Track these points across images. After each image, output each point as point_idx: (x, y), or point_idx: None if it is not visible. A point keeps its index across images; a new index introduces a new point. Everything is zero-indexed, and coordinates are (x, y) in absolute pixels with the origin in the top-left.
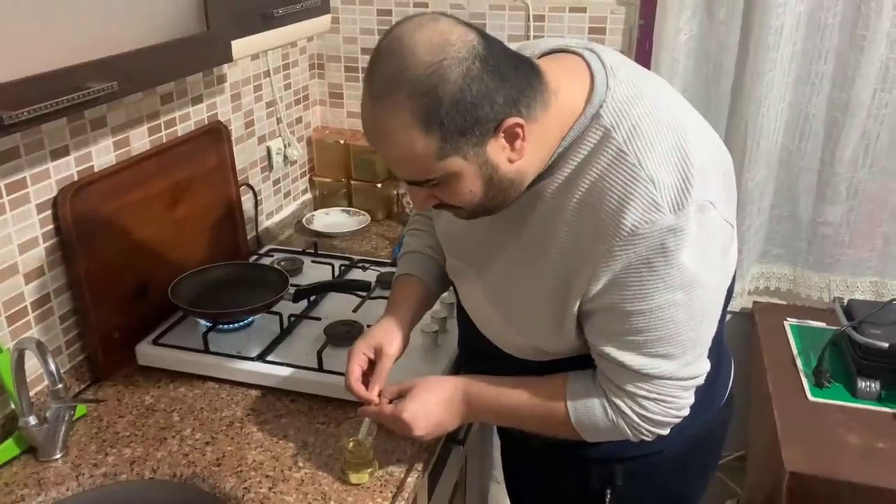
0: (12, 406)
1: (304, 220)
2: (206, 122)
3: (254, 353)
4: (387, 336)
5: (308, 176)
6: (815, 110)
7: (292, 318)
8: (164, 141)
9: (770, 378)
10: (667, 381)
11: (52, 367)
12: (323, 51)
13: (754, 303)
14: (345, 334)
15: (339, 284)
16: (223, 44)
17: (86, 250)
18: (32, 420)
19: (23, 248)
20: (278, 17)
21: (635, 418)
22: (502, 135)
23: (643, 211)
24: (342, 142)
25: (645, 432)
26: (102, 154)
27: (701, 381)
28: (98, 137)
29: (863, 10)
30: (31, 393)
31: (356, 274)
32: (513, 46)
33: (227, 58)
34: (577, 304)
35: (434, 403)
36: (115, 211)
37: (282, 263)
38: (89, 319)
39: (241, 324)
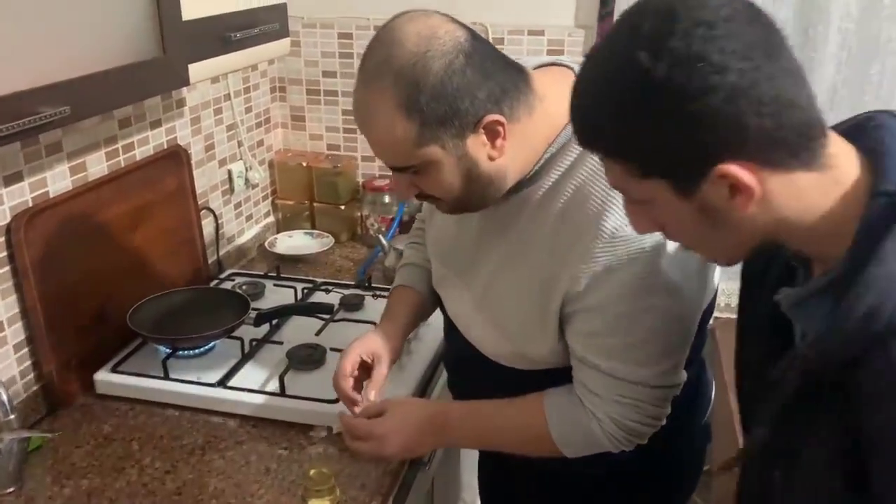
0: None
1: (266, 243)
2: (166, 146)
3: (215, 379)
4: (384, 343)
5: (271, 199)
6: None
7: (254, 343)
8: (123, 165)
9: (732, 395)
10: (642, 388)
11: (4, 397)
12: (284, 74)
13: (715, 318)
14: (308, 358)
15: (302, 307)
16: (180, 67)
17: (41, 277)
18: None
19: None
20: (236, 40)
21: (612, 426)
22: (483, 131)
23: (623, 215)
24: (305, 164)
25: (622, 440)
26: (58, 179)
27: (677, 391)
28: (53, 163)
29: (810, 34)
30: None
31: (319, 297)
32: None
33: (184, 81)
34: (559, 305)
35: (412, 425)
36: (72, 237)
37: (243, 287)
38: (45, 348)
39: (202, 349)
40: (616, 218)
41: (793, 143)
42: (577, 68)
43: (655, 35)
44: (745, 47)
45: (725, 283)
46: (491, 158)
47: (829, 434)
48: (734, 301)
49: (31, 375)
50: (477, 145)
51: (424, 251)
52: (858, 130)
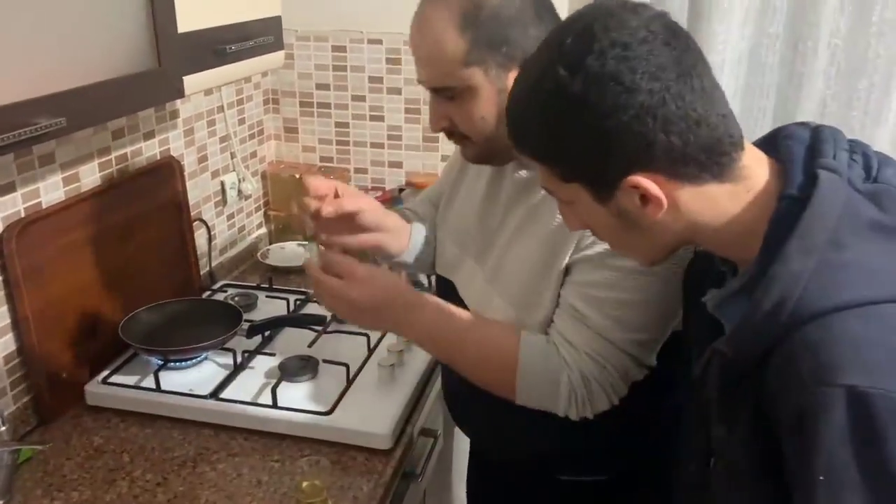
0: None
1: (259, 254)
2: (159, 158)
3: (206, 391)
4: (362, 198)
5: (263, 210)
6: None
7: (246, 355)
8: (116, 176)
9: None
10: (614, 349)
11: None
12: (277, 86)
13: None
14: (300, 370)
15: (294, 319)
16: (175, 80)
17: (32, 288)
18: None
19: None
20: (231, 53)
21: (579, 380)
22: None
23: None
24: (297, 176)
25: (580, 401)
26: (51, 190)
27: (640, 373)
28: (46, 173)
29: (800, 49)
30: None
31: (311, 308)
32: None
33: (179, 93)
34: (566, 262)
35: (381, 287)
36: (64, 248)
37: (235, 299)
38: (35, 359)
39: (194, 361)
40: None
41: (701, 159)
42: None
43: (574, 52)
44: (657, 68)
45: None
46: None
47: (747, 422)
48: None
49: (22, 386)
50: None
51: (421, 212)
52: (772, 142)
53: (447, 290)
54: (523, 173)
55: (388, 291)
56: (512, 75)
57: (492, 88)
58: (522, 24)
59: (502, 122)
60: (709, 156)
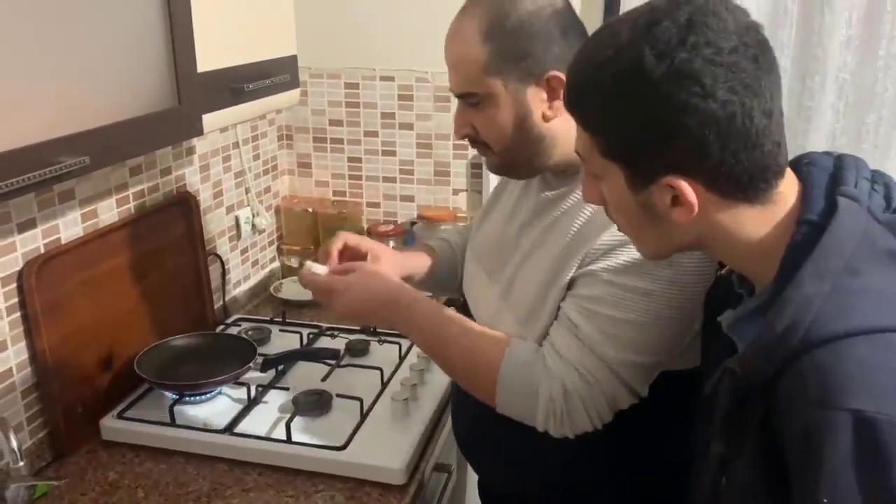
0: None
1: (272, 288)
2: (175, 193)
3: (221, 426)
4: (383, 250)
5: (276, 244)
6: None
7: (260, 389)
8: (133, 212)
9: None
10: (604, 368)
11: (14, 444)
12: (291, 122)
13: None
14: (314, 404)
15: (308, 353)
16: (194, 118)
17: (50, 323)
18: None
19: None
20: (248, 91)
21: (560, 393)
22: (545, 85)
23: None
24: (310, 210)
25: (558, 417)
26: (70, 226)
27: (628, 401)
28: (66, 210)
29: (807, 84)
30: None
31: (325, 342)
32: None
33: (198, 131)
34: (571, 275)
35: (371, 289)
36: (82, 283)
37: (249, 333)
38: (52, 394)
39: (209, 395)
40: None
41: (744, 181)
42: None
43: (668, 40)
44: (738, 83)
45: None
46: (545, 117)
47: (754, 442)
48: None
49: (38, 422)
50: (536, 97)
51: (454, 242)
52: (794, 167)
53: (464, 306)
54: (548, 194)
55: (388, 288)
56: (532, 89)
57: (510, 100)
58: (546, 40)
59: (522, 131)
60: (751, 180)
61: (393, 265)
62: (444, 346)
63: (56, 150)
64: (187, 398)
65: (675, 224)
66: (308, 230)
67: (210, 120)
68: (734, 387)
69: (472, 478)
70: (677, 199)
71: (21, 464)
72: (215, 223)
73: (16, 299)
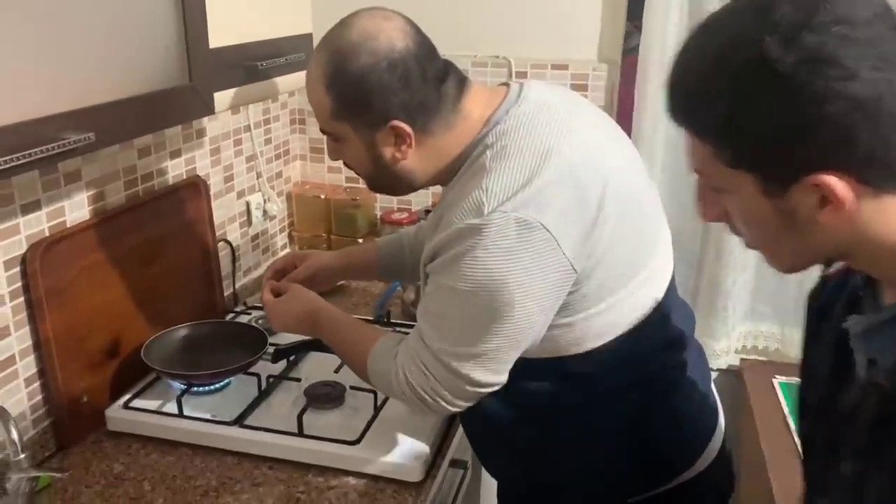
0: None
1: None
2: (185, 177)
3: (230, 417)
4: (317, 255)
5: (288, 231)
6: None
7: (271, 380)
8: (141, 196)
9: (762, 438)
10: (434, 359)
11: (15, 435)
12: (304, 106)
13: (742, 360)
14: (326, 396)
15: (320, 343)
16: (206, 96)
17: (55, 309)
18: None
19: None
20: (262, 69)
21: (404, 381)
22: (392, 132)
23: (467, 211)
24: (322, 196)
25: (411, 400)
26: (76, 209)
27: (471, 387)
28: (72, 191)
29: None
30: None
31: None
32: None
33: (210, 110)
34: (426, 268)
35: (293, 313)
36: (88, 268)
37: (260, 321)
38: (57, 382)
39: (217, 386)
40: (461, 212)
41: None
42: (514, 85)
43: (790, 23)
44: (880, 56)
45: (751, 325)
46: (395, 159)
47: (893, 461)
48: (761, 344)
49: (42, 411)
50: (384, 142)
51: (406, 235)
52: None
53: None
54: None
55: (309, 304)
56: (380, 135)
57: (360, 143)
58: (382, 93)
59: (379, 168)
60: None
61: (330, 258)
62: (341, 346)
63: (59, 125)
64: (195, 388)
65: (821, 228)
66: (320, 217)
67: (222, 99)
68: (882, 402)
69: (488, 474)
70: (825, 199)
71: (22, 456)
72: (226, 208)
73: (19, 284)
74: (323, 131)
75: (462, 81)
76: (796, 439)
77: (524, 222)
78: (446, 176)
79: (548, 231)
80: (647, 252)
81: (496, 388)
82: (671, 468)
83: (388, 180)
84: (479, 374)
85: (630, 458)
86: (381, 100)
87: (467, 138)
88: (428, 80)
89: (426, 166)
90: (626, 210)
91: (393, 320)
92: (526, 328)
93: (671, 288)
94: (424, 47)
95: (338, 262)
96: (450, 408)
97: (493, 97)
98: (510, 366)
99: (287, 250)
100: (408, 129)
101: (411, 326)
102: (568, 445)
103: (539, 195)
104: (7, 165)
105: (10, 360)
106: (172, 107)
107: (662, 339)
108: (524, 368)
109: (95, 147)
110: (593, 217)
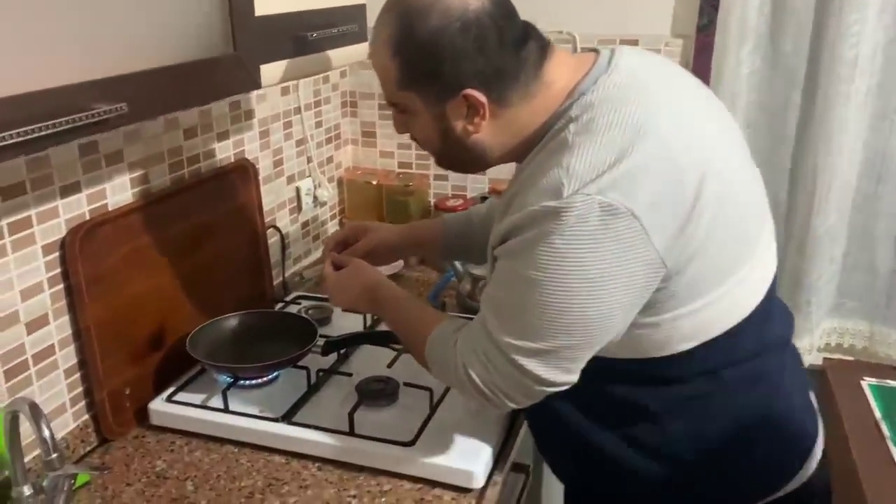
0: (6, 473)
1: None
2: (233, 160)
3: (278, 414)
4: (379, 228)
5: (339, 218)
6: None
7: (320, 374)
8: (187, 178)
9: (853, 445)
10: (497, 351)
11: (47, 433)
12: (356, 87)
13: (825, 359)
14: (379, 392)
15: (373, 336)
16: (251, 68)
17: (96, 297)
18: (27, 490)
19: (25, 294)
20: (312, 40)
21: (463, 372)
22: (464, 102)
23: (544, 191)
24: (374, 182)
25: (470, 391)
26: (118, 191)
27: (540, 387)
28: (114, 173)
29: None
30: (28, 458)
31: None
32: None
33: (255, 84)
34: (494, 250)
35: (354, 287)
36: (130, 254)
37: (310, 312)
38: (98, 374)
39: (265, 379)
40: (537, 193)
41: None
42: (604, 51)
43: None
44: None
45: (837, 322)
46: (467, 132)
47: None
48: (847, 341)
49: (82, 403)
50: (455, 113)
51: (476, 214)
52: None
53: None
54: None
55: (369, 280)
56: (451, 105)
57: (428, 114)
58: (454, 58)
59: (448, 143)
60: None
61: (392, 232)
62: (400, 326)
63: (89, 94)
64: (242, 382)
65: None
66: (372, 204)
67: (269, 72)
68: None
69: (549, 476)
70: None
71: (54, 456)
72: (275, 194)
73: (58, 270)
74: (388, 102)
75: (544, 46)
76: (891, 448)
77: (610, 208)
78: (522, 152)
79: (637, 219)
80: (747, 247)
81: (565, 388)
82: (770, 482)
83: (457, 156)
84: (547, 373)
85: (718, 471)
86: (452, 66)
87: (548, 110)
88: (505, 44)
89: (501, 141)
90: (727, 199)
91: (448, 312)
92: (603, 327)
93: (772, 287)
94: (502, 6)
95: (400, 237)
96: (512, 405)
97: (579, 65)
98: (582, 365)
99: None
100: (482, 98)
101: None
102: (648, 455)
103: (629, 178)
104: (31, 136)
105: (49, 350)
106: (215, 79)
107: (760, 342)
108: (602, 368)
109: (129, 120)
110: (690, 206)
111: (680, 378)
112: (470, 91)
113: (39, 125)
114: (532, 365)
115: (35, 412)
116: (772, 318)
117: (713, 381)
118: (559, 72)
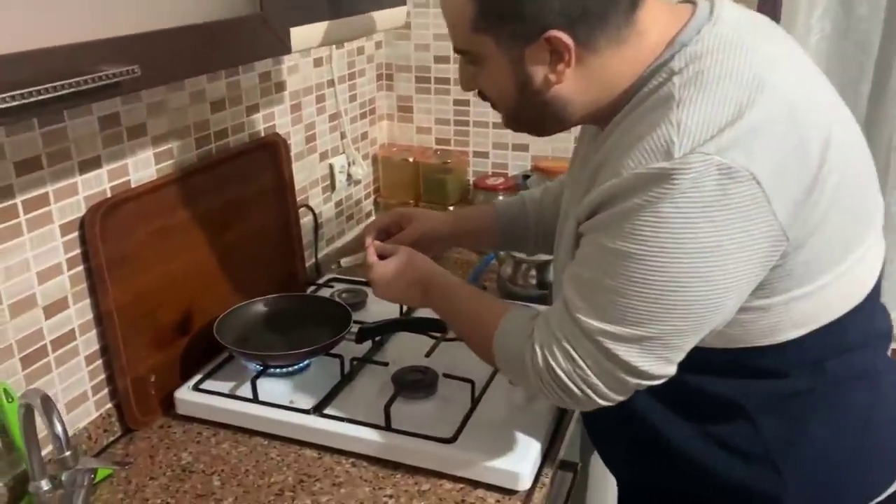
0: (24, 466)
1: None
2: (263, 135)
3: (310, 405)
4: (426, 216)
5: (373, 197)
6: None
7: (355, 363)
8: (214, 154)
9: None
10: (583, 338)
11: (59, 429)
12: (392, 60)
13: None
14: (417, 384)
15: (410, 322)
16: (280, 30)
17: (118, 279)
18: (45, 485)
19: (43, 276)
20: (348, 1)
21: (541, 361)
22: (547, 46)
23: (649, 152)
24: (411, 160)
25: (546, 383)
26: (141, 167)
27: (635, 379)
28: (136, 147)
29: None
30: (45, 451)
31: (429, 310)
32: None
33: (284, 48)
34: (579, 227)
35: (403, 277)
36: (154, 234)
37: (343, 296)
38: (121, 361)
39: (296, 368)
40: (641, 152)
41: None
42: (701, 2)
43: None
44: None
45: None
46: (548, 82)
47: None
48: None
49: (105, 392)
50: (536, 60)
51: (537, 194)
52: None
53: None
54: (600, 136)
55: (421, 269)
56: (530, 50)
57: (505, 61)
58: None
59: (525, 96)
60: None
61: (439, 220)
62: (459, 319)
63: (96, 53)
64: (272, 370)
65: None
66: (408, 182)
67: (299, 36)
68: None
69: (596, 473)
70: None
71: (67, 454)
72: (307, 171)
73: (78, 251)
74: (457, 50)
75: None
76: None
77: (729, 170)
78: (608, 113)
79: (759, 184)
80: (866, 222)
81: (663, 382)
82: (865, 491)
83: (534, 113)
84: (645, 363)
85: (811, 478)
86: (535, 4)
87: (642, 62)
88: None
89: (586, 95)
90: (849, 166)
91: None
92: (713, 308)
93: (881, 269)
94: None
95: (448, 226)
96: (601, 401)
97: (676, 15)
98: (684, 354)
99: (372, 217)
100: (568, 41)
101: None
102: (735, 455)
103: (751, 136)
104: (32, 99)
105: (70, 336)
106: (239, 41)
107: (866, 332)
108: (692, 358)
109: (142, 84)
110: (814, 172)
111: (778, 371)
112: (554, 32)
113: (40, 87)
114: (629, 354)
115: (47, 406)
116: (877, 306)
117: (817, 374)
118: (654, 20)
